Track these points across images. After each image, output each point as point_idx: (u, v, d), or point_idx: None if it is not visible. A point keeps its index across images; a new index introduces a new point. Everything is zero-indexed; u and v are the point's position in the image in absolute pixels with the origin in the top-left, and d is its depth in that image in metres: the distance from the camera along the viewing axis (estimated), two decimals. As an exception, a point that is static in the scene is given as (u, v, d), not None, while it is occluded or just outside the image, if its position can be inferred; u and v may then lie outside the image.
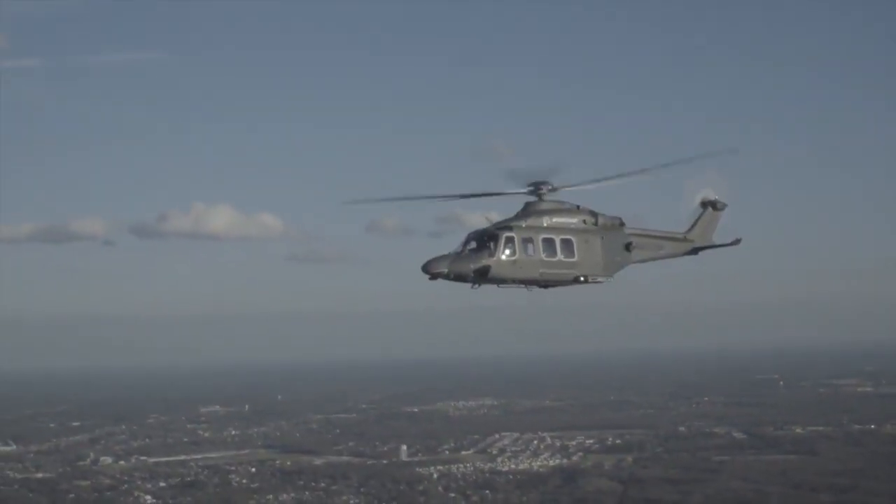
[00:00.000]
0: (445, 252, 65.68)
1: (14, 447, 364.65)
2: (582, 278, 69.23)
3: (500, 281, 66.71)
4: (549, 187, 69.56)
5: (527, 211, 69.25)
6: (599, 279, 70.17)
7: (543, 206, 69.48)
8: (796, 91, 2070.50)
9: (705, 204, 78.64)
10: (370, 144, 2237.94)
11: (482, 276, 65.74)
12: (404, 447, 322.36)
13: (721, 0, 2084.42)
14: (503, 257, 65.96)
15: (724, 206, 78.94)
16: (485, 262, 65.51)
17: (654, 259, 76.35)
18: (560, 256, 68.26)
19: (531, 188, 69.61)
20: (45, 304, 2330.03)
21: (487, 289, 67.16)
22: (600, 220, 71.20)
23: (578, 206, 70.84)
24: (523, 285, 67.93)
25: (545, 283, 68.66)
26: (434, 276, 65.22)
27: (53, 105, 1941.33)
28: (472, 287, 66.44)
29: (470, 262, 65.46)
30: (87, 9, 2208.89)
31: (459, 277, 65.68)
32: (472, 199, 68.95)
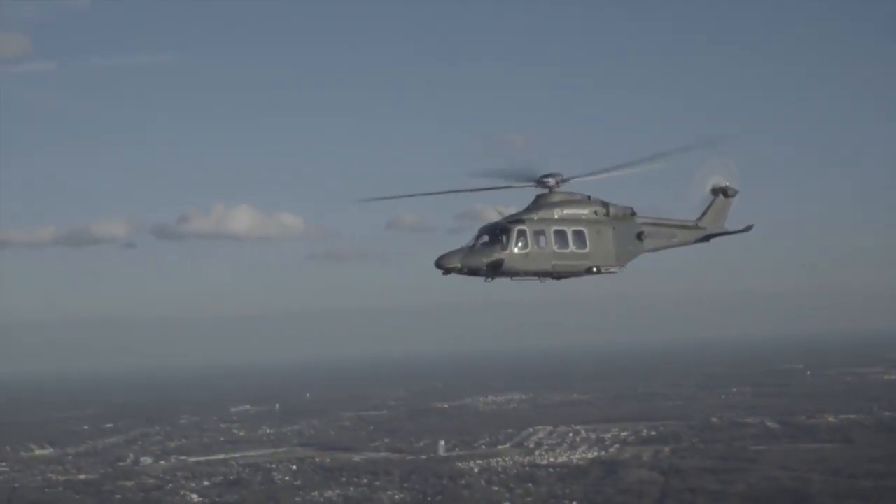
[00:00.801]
0: (459, 247, 66.48)
1: (51, 450, 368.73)
2: (594, 269, 69.80)
3: (513, 274, 67.39)
4: (560, 178, 70.11)
5: (538, 203, 69.83)
6: (612, 269, 70.72)
7: (554, 198, 70.01)
8: (798, 86, 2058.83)
9: (716, 191, 78.70)
10: (389, 141, 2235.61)
11: (495, 270, 66.50)
12: (442, 442, 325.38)
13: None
14: (515, 250, 66.71)
15: (736, 192, 79.02)
16: (497, 255, 66.24)
17: (666, 247, 76.64)
18: (572, 248, 68.89)
19: (542, 180, 70.08)
20: (69, 307, 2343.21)
21: (500, 284, 68.03)
22: (611, 210, 71.63)
23: (589, 197, 71.39)
24: (536, 277, 68.55)
25: (558, 275, 69.25)
26: (448, 271, 65.97)
27: (71, 108, 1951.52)
28: (485, 280, 67.11)
29: (483, 256, 66.14)
30: (100, 11, 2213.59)
31: (473, 272, 66.42)
32: (490, 194, 69.64)
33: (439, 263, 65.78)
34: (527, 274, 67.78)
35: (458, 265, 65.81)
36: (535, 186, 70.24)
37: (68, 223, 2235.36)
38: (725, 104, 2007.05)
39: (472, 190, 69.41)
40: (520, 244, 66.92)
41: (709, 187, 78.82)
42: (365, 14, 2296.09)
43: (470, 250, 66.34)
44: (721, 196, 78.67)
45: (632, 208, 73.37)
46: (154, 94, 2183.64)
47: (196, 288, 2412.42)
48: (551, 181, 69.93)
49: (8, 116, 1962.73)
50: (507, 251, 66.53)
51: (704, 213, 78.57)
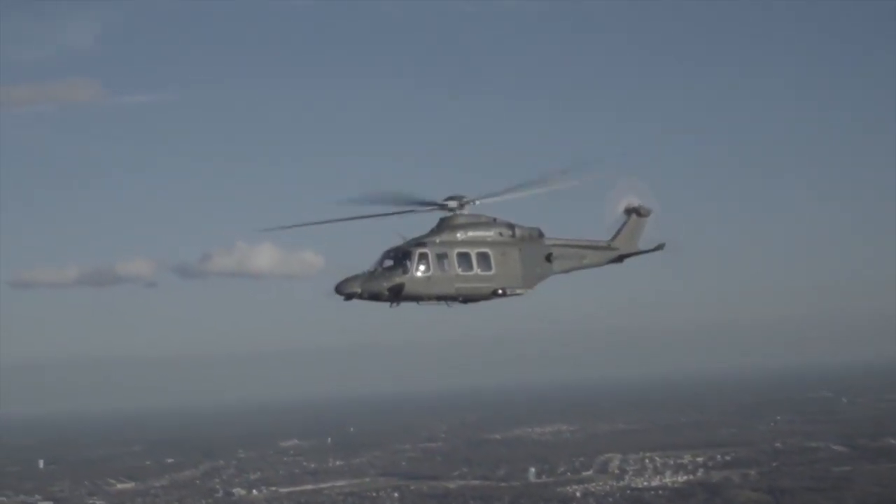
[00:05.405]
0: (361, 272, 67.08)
1: (133, 484, 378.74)
2: (500, 291, 69.92)
3: (415, 298, 67.79)
4: (464, 200, 70.85)
5: (442, 226, 70.21)
6: (518, 291, 70.90)
7: (459, 220, 70.39)
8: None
9: (629, 211, 78.99)
10: (402, 175, 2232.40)
11: (396, 295, 66.84)
12: (532, 469, 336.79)
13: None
14: (417, 274, 66.94)
15: (649, 212, 79.23)
16: (398, 279, 66.54)
17: (577, 269, 76.80)
18: (476, 270, 68.95)
19: (445, 203, 70.83)
20: (91, 347, 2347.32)
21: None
22: (518, 232, 71.86)
23: (495, 219, 71.70)
24: (442, 301, 69.22)
25: (463, 299, 69.73)
26: (348, 297, 66.27)
27: (89, 148, 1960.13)
28: (390, 306, 68.02)
29: (383, 281, 66.49)
30: (105, 52, 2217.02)
31: (374, 296, 66.76)
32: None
33: (339, 288, 66.23)
34: (430, 298, 68.33)
35: (358, 290, 66.23)
36: (439, 209, 71.06)
37: (91, 263, 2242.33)
38: (716, 113, 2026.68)
39: (377, 215, 69.71)
40: (421, 268, 67.28)
41: (622, 207, 79.41)
42: (366, 50, 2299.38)
43: (371, 275, 66.81)
44: (634, 216, 79.20)
45: (539, 229, 74.09)
46: (173, 132, 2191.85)
47: (217, 326, 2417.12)
48: (454, 203, 70.92)
49: (28, 158, 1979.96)
50: (409, 275, 66.83)
51: (617, 234, 79.04)
